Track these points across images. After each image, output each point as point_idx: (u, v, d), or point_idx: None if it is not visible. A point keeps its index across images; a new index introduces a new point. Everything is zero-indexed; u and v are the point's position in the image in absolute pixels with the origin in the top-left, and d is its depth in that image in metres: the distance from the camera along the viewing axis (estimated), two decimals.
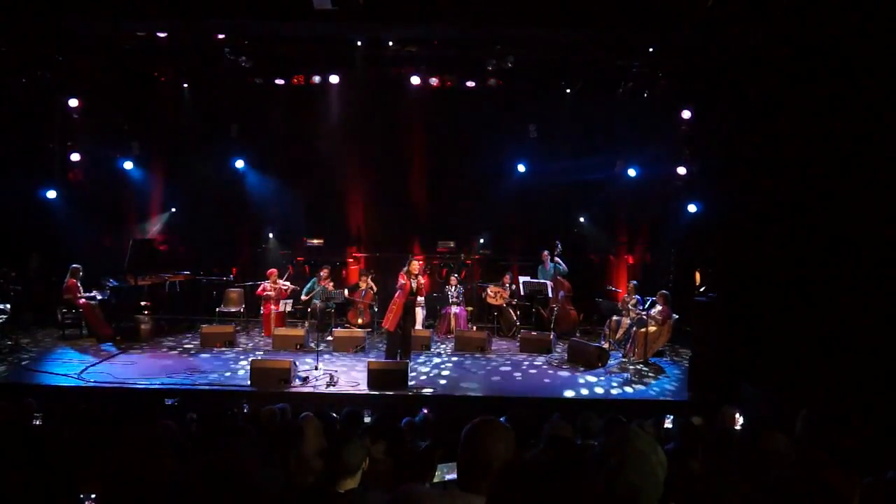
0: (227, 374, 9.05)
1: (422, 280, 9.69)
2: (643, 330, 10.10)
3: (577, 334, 11.54)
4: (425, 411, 6.60)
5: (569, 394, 8.66)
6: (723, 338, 8.62)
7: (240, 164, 13.18)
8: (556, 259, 11.79)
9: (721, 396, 7.97)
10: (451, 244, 13.37)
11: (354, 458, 3.12)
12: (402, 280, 9.42)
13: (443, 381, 8.98)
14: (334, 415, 5.96)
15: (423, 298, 11.93)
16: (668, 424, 5.91)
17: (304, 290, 12.07)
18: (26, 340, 10.75)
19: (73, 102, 11.95)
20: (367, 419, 5.98)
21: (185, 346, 10.78)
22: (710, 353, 8.70)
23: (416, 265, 9.50)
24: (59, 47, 10.74)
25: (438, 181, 13.46)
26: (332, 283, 12.06)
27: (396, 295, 9.48)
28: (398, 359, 9.28)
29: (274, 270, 11.84)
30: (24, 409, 5.31)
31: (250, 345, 10.86)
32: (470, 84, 12.07)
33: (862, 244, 7.25)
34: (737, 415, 5.67)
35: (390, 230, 13.47)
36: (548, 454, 3.25)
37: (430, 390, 8.53)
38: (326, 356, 9.96)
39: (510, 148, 13.02)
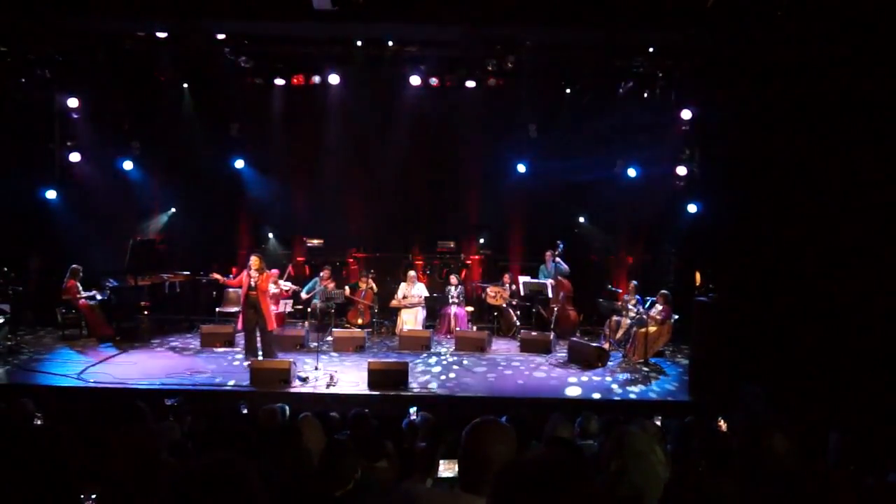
0: (227, 373, 9.06)
1: (262, 276, 9.40)
2: (643, 330, 10.10)
3: (578, 334, 11.53)
4: (413, 410, 6.57)
5: (569, 394, 8.67)
6: (723, 338, 8.62)
7: (240, 164, 13.18)
8: (558, 259, 11.79)
9: (721, 397, 7.98)
10: (451, 244, 13.36)
11: (347, 471, 3.14)
12: (241, 276, 9.53)
13: (443, 381, 8.98)
14: (335, 414, 5.96)
15: (422, 298, 11.93)
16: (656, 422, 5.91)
17: (305, 288, 12.07)
18: (26, 340, 10.76)
19: (73, 102, 11.93)
20: None
21: (185, 346, 10.78)
22: (711, 353, 8.70)
23: (254, 260, 9.41)
24: (59, 47, 10.75)
25: (438, 181, 13.45)
26: (333, 283, 12.04)
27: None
28: (258, 357, 9.26)
29: (275, 271, 11.82)
30: (24, 409, 5.31)
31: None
32: (470, 84, 12.07)
33: (862, 243, 7.25)
34: (721, 421, 5.70)
35: (390, 230, 13.47)
36: (548, 454, 3.25)
37: (432, 389, 8.54)
38: (326, 356, 9.97)
39: (510, 148, 13.00)
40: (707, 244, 10.59)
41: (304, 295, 11.95)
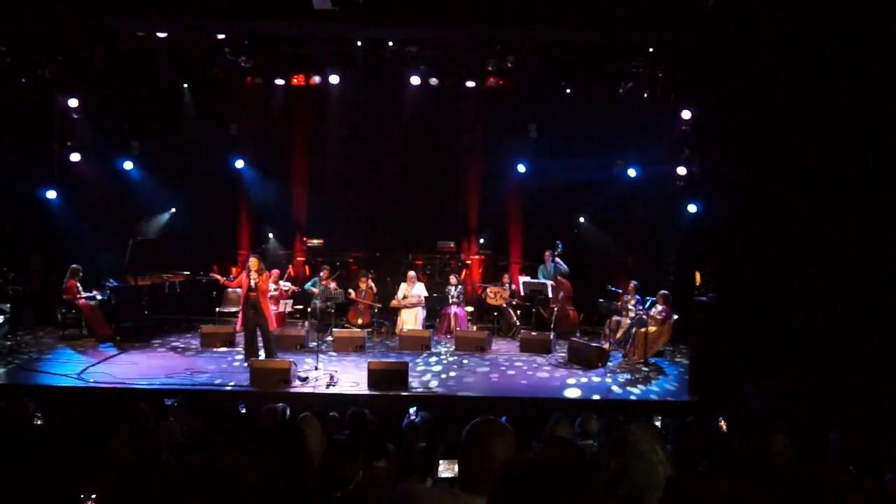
0: (227, 373, 9.06)
1: (262, 277, 9.37)
2: (643, 330, 10.11)
3: (577, 334, 11.54)
4: (413, 410, 6.57)
5: (569, 394, 8.67)
6: (723, 338, 8.62)
7: (240, 164, 13.18)
8: (557, 259, 11.79)
9: (721, 397, 7.98)
10: (451, 244, 13.37)
11: (349, 471, 3.14)
12: (241, 277, 9.55)
13: (443, 381, 8.98)
14: (334, 414, 5.96)
15: (422, 298, 11.92)
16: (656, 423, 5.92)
17: (308, 285, 12.08)
18: (26, 340, 10.76)
19: (73, 102, 11.94)
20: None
21: (186, 346, 10.78)
22: (711, 354, 8.70)
23: (253, 262, 9.38)
24: (59, 47, 10.74)
25: (438, 181, 13.46)
26: (334, 283, 12.02)
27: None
28: (259, 357, 9.23)
29: (276, 271, 11.82)
30: (24, 409, 5.30)
31: None
32: (470, 84, 12.06)
33: (862, 243, 7.25)
34: (721, 421, 5.72)
35: (390, 230, 13.47)
36: (548, 454, 3.25)
37: (432, 389, 8.54)
38: (326, 356, 9.96)
39: (510, 148, 13.00)
40: (707, 244, 10.58)
41: (314, 290, 11.91)
